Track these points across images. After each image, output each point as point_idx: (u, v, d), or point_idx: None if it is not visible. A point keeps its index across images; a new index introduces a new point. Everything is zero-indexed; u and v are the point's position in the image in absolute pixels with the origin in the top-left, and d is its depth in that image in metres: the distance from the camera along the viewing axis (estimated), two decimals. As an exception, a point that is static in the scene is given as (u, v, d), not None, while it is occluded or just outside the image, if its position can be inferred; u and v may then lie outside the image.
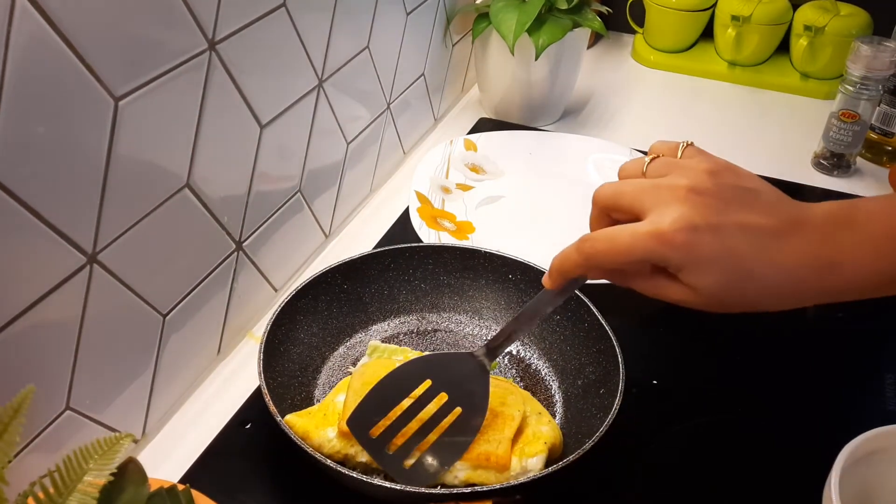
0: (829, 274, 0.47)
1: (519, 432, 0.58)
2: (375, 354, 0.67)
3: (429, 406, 0.56)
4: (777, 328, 0.77)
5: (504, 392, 0.60)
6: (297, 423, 0.58)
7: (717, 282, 0.47)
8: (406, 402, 0.56)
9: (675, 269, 0.47)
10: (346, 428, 0.56)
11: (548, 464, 0.56)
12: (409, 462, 0.55)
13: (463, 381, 0.57)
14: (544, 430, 0.59)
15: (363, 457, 0.57)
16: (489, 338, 0.56)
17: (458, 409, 0.56)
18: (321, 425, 0.58)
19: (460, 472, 0.56)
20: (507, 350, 0.61)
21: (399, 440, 0.55)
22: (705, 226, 0.46)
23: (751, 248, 0.47)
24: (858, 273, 0.46)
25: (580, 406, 0.63)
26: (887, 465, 0.54)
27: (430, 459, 0.55)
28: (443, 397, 0.56)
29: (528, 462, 0.56)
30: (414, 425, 0.56)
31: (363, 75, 0.83)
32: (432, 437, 0.55)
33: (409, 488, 0.54)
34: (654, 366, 0.70)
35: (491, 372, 0.58)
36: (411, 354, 0.65)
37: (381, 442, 0.55)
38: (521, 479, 0.53)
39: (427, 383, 0.57)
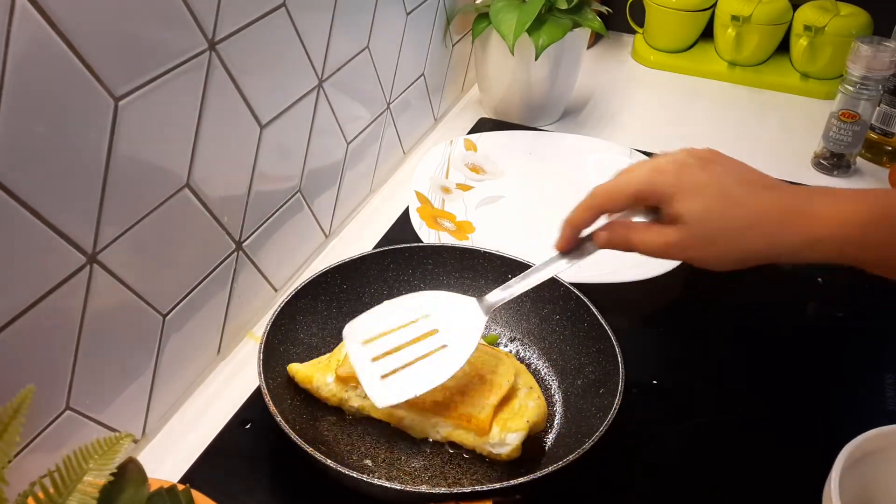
0: (800, 218, 0.50)
1: (506, 402, 0.60)
2: None
3: (419, 335, 0.59)
4: (777, 328, 0.77)
5: (497, 361, 0.63)
6: (300, 369, 0.64)
7: (702, 207, 0.51)
8: (400, 326, 0.59)
9: (667, 199, 0.52)
10: (342, 374, 0.61)
11: (528, 438, 0.59)
12: (385, 375, 0.57)
13: (458, 322, 0.59)
14: (531, 405, 0.61)
15: (356, 401, 0.62)
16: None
17: (444, 346, 0.58)
18: (323, 371, 0.63)
19: (442, 429, 0.60)
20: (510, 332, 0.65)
21: (383, 356, 0.58)
22: (695, 162, 0.53)
23: (735, 183, 0.52)
24: (826, 224, 0.50)
25: (580, 406, 0.63)
26: (887, 465, 0.54)
27: (403, 381, 0.57)
28: (434, 332, 0.59)
29: (508, 436, 0.59)
30: (400, 347, 0.58)
31: (363, 75, 0.83)
32: (413, 362, 0.57)
33: (409, 488, 0.56)
34: (654, 366, 0.70)
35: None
36: None
37: (367, 353, 0.58)
38: (521, 480, 0.53)
39: (426, 316, 0.59)
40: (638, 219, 0.56)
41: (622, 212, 0.56)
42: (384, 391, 0.57)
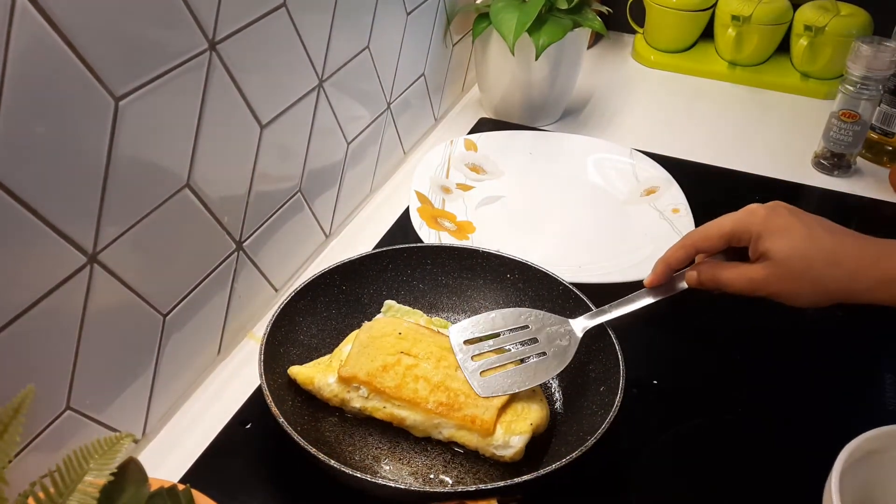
0: (878, 259, 0.56)
1: (509, 403, 0.61)
2: (390, 313, 0.70)
3: (519, 342, 0.64)
4: (777, 328, 0.77)
5: None
6: (301, 371, 0.63)
7: (788, 245, 0.57)
8: (502, 331, 0.65)
9: (756, 238, 0.58)
10: (344, 374, 0.61)
11: (530, 441, 0.60)
12: (485, 373, 0.62)
13: (556, 337, 0.64)
14: (534, 407, 0.61)
15: (358, 402, 0.62)
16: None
17: (543, 353, 0.64)
18: (324, 372, 0.63)
19: (445, 430, 0.60)
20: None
21: (483, 355, 0.63)
22: (784, 209, 0.59)
23: (819, 227, 0.58)
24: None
25: (580, 404, 0.63)
26: (887, 465, 0.54)
27: (502, 378, 0.61)
28: (534, 340, 0.64)
29: (512, 439, 0.59)
30: (502, 351, 0.64)
31: (363, 75, 0.84)
32: (513, 364, 0.63)
33: (415, 487, 0.57)
34: (654, 366, 0.70)
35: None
36: (423, 318, 0.69)
37: (470, 351, 0.63)
38: (525, 478, 0.53)
39: (526, 327, 0.65)
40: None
41: (714, 252, 0.63)
42: (485, 384, 0.61)
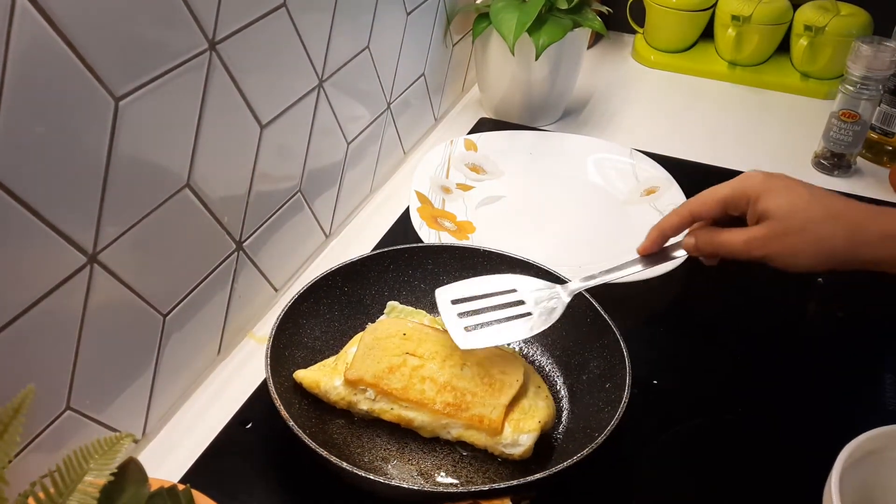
0: (877, 215, 0.56)
1: (516, 401, 0.61)
2: (393, 314, 0.70)
3: (506, 303, 0.64)
4: (777, 327, 0.77)
5: (505, 361, 0.63)
6: (307, 374, 0.63)
7: (788, 201, 0.56)
8: (489, 293, 0.64)
9: (755, 199, 0.57)
10: (351, 377, 0.61)
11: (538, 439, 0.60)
12: (469, 328, 0.62)
13: (543, 299, 0.64)
14: (541, 404, 0.61)
15: (365, 404, 0.62)
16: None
17: (529, 313, 0.63)
18: (330, 375, 0.63)
19: (453, 430, 0.60)
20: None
21: (470, 313, 0.63)
22: (782, 175, 0.59)
23: (816, 188, 0.58)
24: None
25: (586, 401, 0.64)
26: (887, 465, 0.54)
27: (486, 333, 0.61)
28: (520, 302, 0.64)
29: (521, 437, 0.59)
30: (487, 309, 0.63)
31: (363, 75, 0.83)
32: (498, 320, 0.62)
33: (428, 488, 0.57)
34: (655, 366, 0.70)
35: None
36: (427, 317, 0.69)
37: (455, 308, 0.63)
38: (537, 476, 0.53)
39: (514, 290, 0.65)
40: None
41: (710, 218, 0.61)
42: (467, 338, 0.61)
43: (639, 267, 0.64)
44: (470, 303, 0.63)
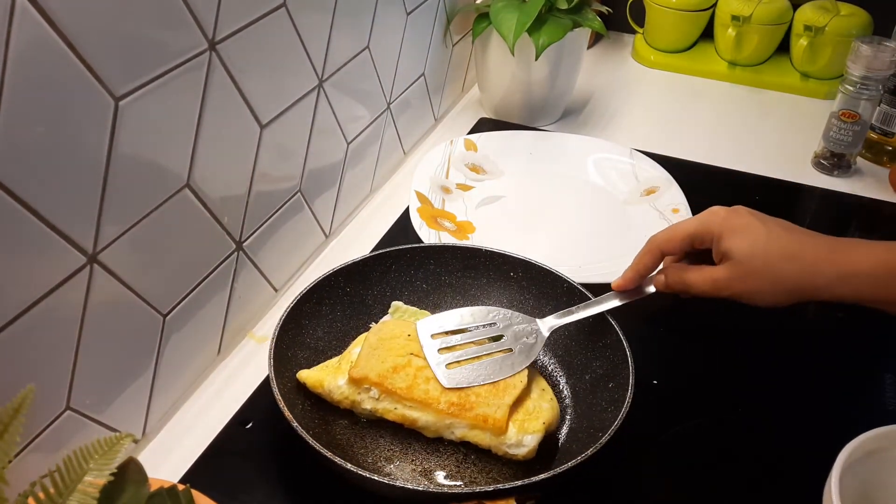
0: (835, 254, 0.57)
1: (520, 402, 0.61)
2: (397, 314, 0.70)
3: (485, 339, 0.65)
4: (777, 328, 0.77)
5: None
6: (311, 374, 0.63)
7: (747, 243, 0.58)
8: (468, 328, 0.65)
9: (717, 238, 0.60)
10: (355, 375, 0.61)
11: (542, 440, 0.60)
12: (450, 365, 0.62)
13: (522, 334, 0.65)
14: (545, 406, 0.61)
15: (369, 404, 0.62)
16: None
17: (509, 349, 0.64)
18: (334, 374, 0.63)
19: (457, 430, 0.60)
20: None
21: (449, 349, 0.63)
22: (745, 211, 0.61)
23: (778, 226, 0.60)
24: (858, 262, 0.57)
25: (590, 401, 0.64)
26: (887, 465, 0.54)
27: (467, 372, 0.62)
28: (500, 337, 0.65)
29: (526, 438, 0.59)
30: (467, 345, 0.64)
31: (363, 75, 0.84)
32: (478, 357, 0.63)
33: (433, 489, 0.57)
34: (655, 366, 0.70)
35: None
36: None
37: (436, 344, 0.64)
38: (542, 476, 0.53)
39: (493, 324, 0.66)
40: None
41: (679, 253, 0.64)
42: (451, 376, 0.62)
43: (615, 302, 0.66)
44: (450, 337, 0.64)
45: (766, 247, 0.58)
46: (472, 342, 0.64)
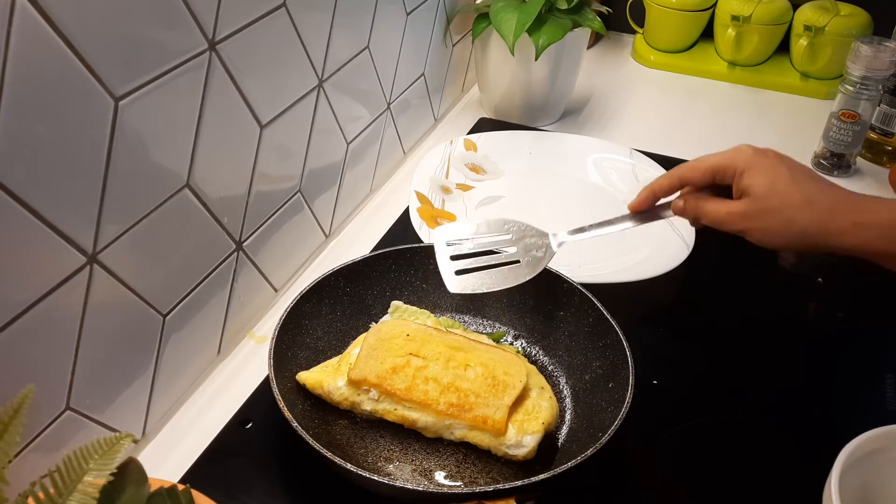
0: (849, 204, 0.58)
1: (519, 402, 0.61)
2: (397, 314, 0.70)
3: (497, 245, 0.68)
4: (777, 327, 0.77)
5: (509, 362, 0.63)
6: (310, 376, 0.63)
7: (768, 182, 0.59)
8: (482, 234, 0.68)
9: (740, 173, 0.60)
10: (354, 377, 0.61)
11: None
12: (460, 272, 0.65)
13: (532, 247, 0.67)
14: (544, 405, 0.61)
15: (368, 405, 0.62)
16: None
17: (517, 261, 0.66)
18: (333, 375, 0.63)
19: (457, 431, 0.60)
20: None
21: (461, 256, 0.66)
22: (773, 153, 0.61)
23: (800, 172, 0.60)
24: (871, 212, 0.58)
25: (589, 401, 0.64)
26: (887, 465, 0.54)
27: (474, 279, 0.65)
28: (511, 248, 0.67)
29: (525, 438, 0.59)
30: (479, 254, 0.67)
31: (363, 75, 0.83)
32: (486, 266, 0.66)
33: (433, 489, 0.57)
34: (654, 366, 0.70)
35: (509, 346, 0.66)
36: (430, 318, 0.69)
37: (449, 251, 0.67)
38: (542, 476, 0.53)
39: (508, 234, 0.68)
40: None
41: (699, 185, 0.64)
42: (457, 282, 0.65)
43: (629, 223, 0.66)
44: (463, 244, 0.67)
45: (787, 188, 0.59)
46: (483, 252, 0.66)
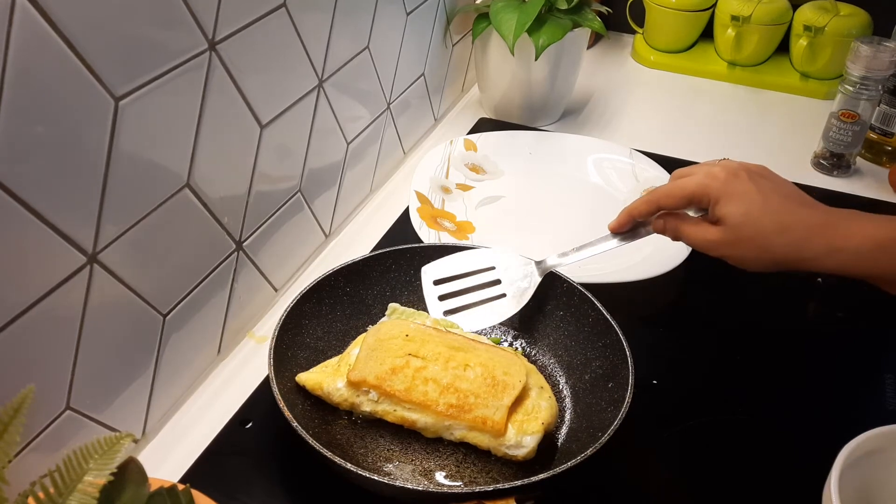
0: (825, 230, 0.58)
1: (519, 402, 0.61)
2: (394, 315, 0.70)
3: (483, 283, 0.70)
4: (777, 328, 0.77)
5: (508, 362, 0.63)
6: (310, 377, 0.64)
7: (742, 211, 0.59)
8: (468, 272, 0.71)
9: (714, 202, 0.60)
10: (353, 378, 0.61)
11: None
12: (448, 312, 0.69)
13: (517, 278, 0.70)
14: (544, 405, 0.61)
15: (368, 406, 0.62)
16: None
17: (503, 294, 0.69)
18: (333, 376, 0.63)
19: (456, 431, 0.60)
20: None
21: (449, 295, 0.70)
22: (745, 174, 0.61)
23: (775, 196, 0.60)
24: (847, 238, 0.58)
25: (589, 400, 0.64)
26: (887, 465, 0.54)
27: (463, 318, 0.69)
28: (497, 282, 0.70)
29: (525, 438, 0.59)
30: (465, 291, 0.70)
31: (363, 75, 0.84)
32: (474, 304, 0.69)
33: (433, 489, 0.57)
34: (654, 366, 0.70)
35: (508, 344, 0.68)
36: (428, 318, 0.69)
37: (437, 291, 0.70)
38: (542, 476, 0.53)
39: (492, 268, 0.71)
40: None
41: (676, 210, 0.64)
42: (449, 319, 0.68)
43: (611, 244, 0.67)
44: (451, 283, 0.70)
45: (760, 217, 0.59)
46: (469, 288, 0.69)
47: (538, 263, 0.69)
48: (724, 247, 0.61)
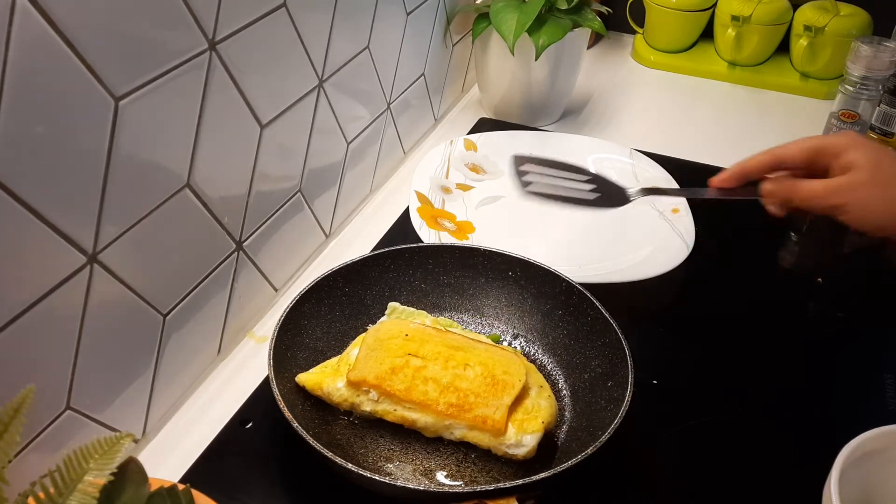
0: None
1: (519, 401, 0.60)
2: (394, 315, 0.70)
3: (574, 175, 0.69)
4: (777, 328, 0.77)
5: (508, 361, 0.62)
6: (309, 377, 0.63)
7: (875, 155, 0.57)
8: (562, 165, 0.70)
9: (842, 150, 0.58)
10: (353, 378, 0.61)
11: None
12: (530, 183, 0.67)
13: (608, 190, 0.68)
14: (543, 404, 0.61)
15: (368, 406, 0.62)
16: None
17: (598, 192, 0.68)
18: (333, 377, 0.63)
19: (456, 431, 0.60)
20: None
21: (539, 175, 0.68)
22: (867, 138, 0.58)
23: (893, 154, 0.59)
24: None
25: (588, 399, 0.64)
26: (887, 465, 0.54)
27: (546, 181, 0.68)
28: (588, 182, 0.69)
29: (525, 438, 0.59)
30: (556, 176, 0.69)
31: (363, 75, 0.84)
32: (561, 183, 0.68)
33: (434, 488, 0.57)
34: (654, 366, 0.70)
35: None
36: (428, 318, 0.69)
37: (525, 171, 0.69)
38: (543, 475, 0.53)
39: (588, 175, 0.69)
40: None
41: (795, 166, 0.61)
42: (530, 190, 0.67)
43: (711, 194, 0.64)
44: (541, 168, 0.69)
45: (892, 164, 0.57)
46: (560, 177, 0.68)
47: (626, 189, 0.68)
48: (851, 190, 0.57)
